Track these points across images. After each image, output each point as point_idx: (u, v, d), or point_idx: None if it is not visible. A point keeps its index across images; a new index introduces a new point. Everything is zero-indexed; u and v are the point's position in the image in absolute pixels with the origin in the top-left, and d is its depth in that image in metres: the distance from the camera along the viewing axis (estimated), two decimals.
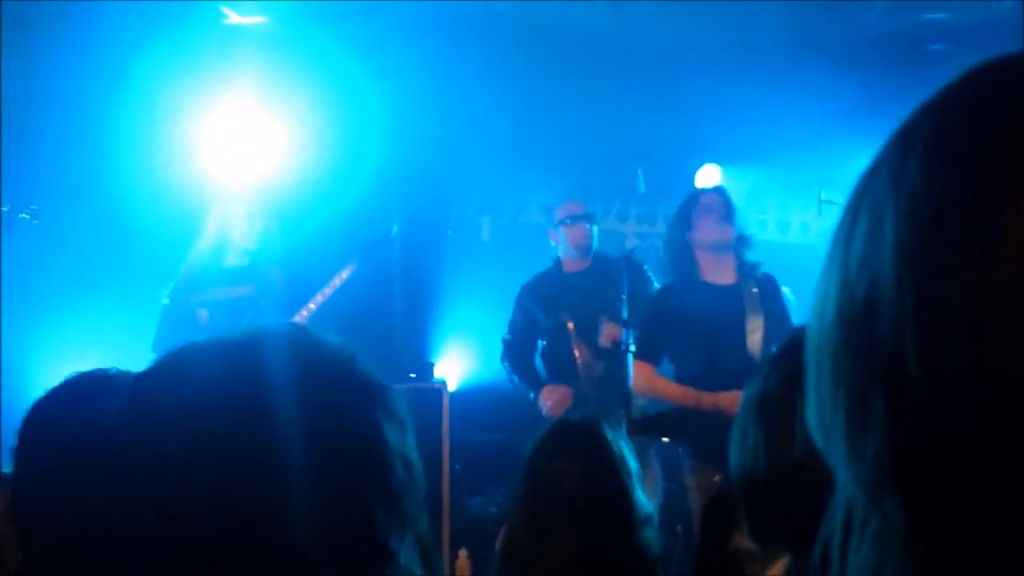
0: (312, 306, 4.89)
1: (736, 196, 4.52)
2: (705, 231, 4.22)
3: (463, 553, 4.59)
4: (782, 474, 1.19)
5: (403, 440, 0.84)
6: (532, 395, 4.84)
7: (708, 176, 6.80)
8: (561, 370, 4.82)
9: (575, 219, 4.92)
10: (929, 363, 0.44)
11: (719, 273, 4.26)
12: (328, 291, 4.94)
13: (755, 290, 4.25)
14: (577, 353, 4.79)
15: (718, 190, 4.43)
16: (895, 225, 0.46)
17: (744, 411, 1.28)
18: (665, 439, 4.27)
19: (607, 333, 4.69)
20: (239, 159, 5.67)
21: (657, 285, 4.66)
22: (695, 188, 4.74)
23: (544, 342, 4.93)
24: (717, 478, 4.01)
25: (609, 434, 2.15)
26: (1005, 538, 0.43)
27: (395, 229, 6.29)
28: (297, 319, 4.76)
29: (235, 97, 5.62)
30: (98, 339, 5.14)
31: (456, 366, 6.48)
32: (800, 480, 1.15)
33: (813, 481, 1.12)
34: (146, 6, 4.94)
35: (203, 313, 4.74)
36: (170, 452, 0.77)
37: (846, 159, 6.75)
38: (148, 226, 5.35)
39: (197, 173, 5.57)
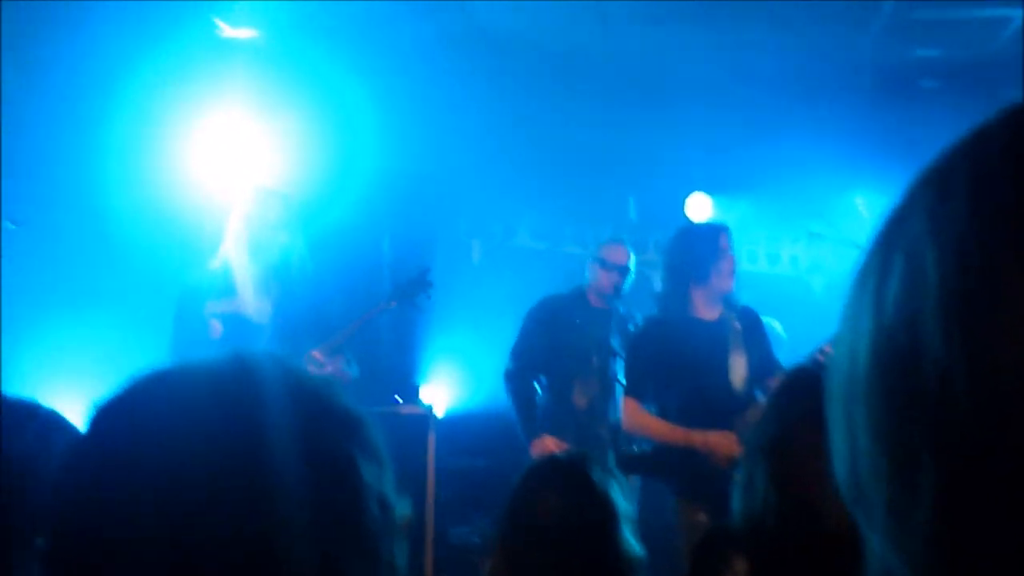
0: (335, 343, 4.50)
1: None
2: (722, 281, 4.19)
3: None
4: (795, 523, 1.14)
5: (380, 478, 0.80)
6: (525, 439, 4.72)
7: (698, 206, 6.81)
8: (561, 402, 4.74)
9: (615, 268, 4.85)
10: (985, 427, 0.40)
11: (708, 309, 4.24)
12: (353, 328, 4.56)
13: (738, 325, 4.23)
14: (580, 387, 4.72)
15: (729, 233, 4.32)
16: (939, 272, 0.43)
17: (750, 456, 1.23)
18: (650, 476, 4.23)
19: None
20: (229, 172, 5.63)
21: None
22: (708, 229, 4.47)
23: (548, 367, 4.82)
24: (702, 516, 3.97)
25: (596, 474, 2.12)
26: None
27: (386, 248, 6.26)
28: (318, 355, 4.42)
29: (226, 110, 5.59)
30: (87, 351, 5.09)
31: (443, 390, 6.42)
32: (815, 531, 1.11)
33: (830, 532, 1.08)
34: (140, 17, 4.93)
35: (216, 325, 4.40)
36: (138, 483, 0.73)
37: (837, 192, 6.79)
38: (136, 238, 5.30)
39: (187, 185, 5.53)
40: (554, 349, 4.78)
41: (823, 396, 1.28)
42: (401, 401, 5.42)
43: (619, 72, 6.08)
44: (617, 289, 4.81)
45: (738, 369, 4.17)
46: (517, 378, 4.80)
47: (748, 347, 4.21)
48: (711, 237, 4.26)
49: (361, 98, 5.96)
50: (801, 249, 7.04)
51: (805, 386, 1.21)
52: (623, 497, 2.14)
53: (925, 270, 0.44)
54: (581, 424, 4.68)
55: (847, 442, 0.48)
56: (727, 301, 4.28)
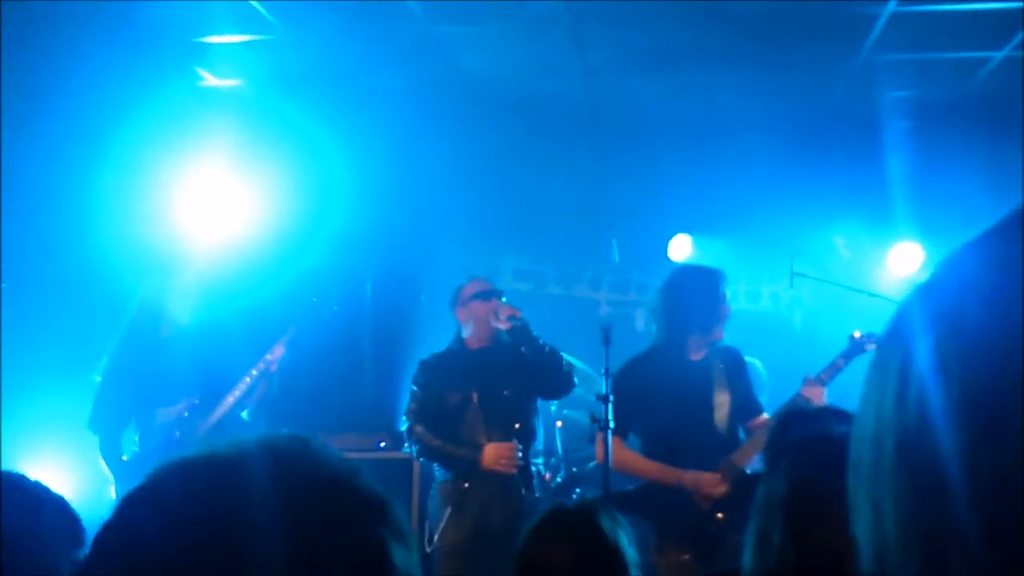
0: (236, 393, 4.89)
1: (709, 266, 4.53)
2: (719, 326, 4.22)
3: None
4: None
5: (408, 560, 0.79)
6: (462, 464, 4.55)
7: (680, 246, 6.86)
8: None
9: (487, 295, 4.73)
10: (1010, 530, 0.42)
11: (695, 350, 4.26)
12: (256, 372, 4.91)
13: (721, 365, 4.25)
14: (483, 428, 4.58)
15: (726, 280, 4.32)
16: (962, 385, 0.44)
17: (765, 510, 1.21)
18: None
19: (504, 311, 4.59)
20: (212, 220, 5.66)
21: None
22: (708, 277, 4.34)
23: (434, 421, 4.66)
24: (686, 557, 3.96)
25: (606, 523, 2.12)
26: None
27: (368, 292, 6.27)
28: (226, 404, 4.87)
29: (210, 158, 5.63)
30: (77, 401, 5.09)
31: None
32: None
33: None
34: (125, 65, 4.97)
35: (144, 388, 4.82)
36: None
37: (816, 231, 6.86)
38: (126, 288, 5.31)
39: (174, 234, 5.55)
40: (436, 403, 4.67)
41: (832, 452, 1.27)
42: (385, 446, 5.40)
43: (601, 117, 6.16)
44: (496, 315, 4.65)
45: (722, 408, 4.19)
46: (413, 432, 4.72)
47: (732, 387, 4.23)
48: (713, 287, 4.25)
49: (348, 143, 6.02)
50: (782, 287, 7.09)
51: (809, 439, 1.21)
52: (630, 544, 2.13)
53: (947, 379, 0.45)
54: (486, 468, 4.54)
55: (873, 530, 0.49)
56: (712, 342, 4.30)
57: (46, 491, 1.57)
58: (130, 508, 0.78)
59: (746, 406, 4.27)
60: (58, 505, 1.57)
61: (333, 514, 0.77)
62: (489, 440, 4.55)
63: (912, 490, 0.46)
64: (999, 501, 0.43)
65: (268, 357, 4.92)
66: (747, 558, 1.21)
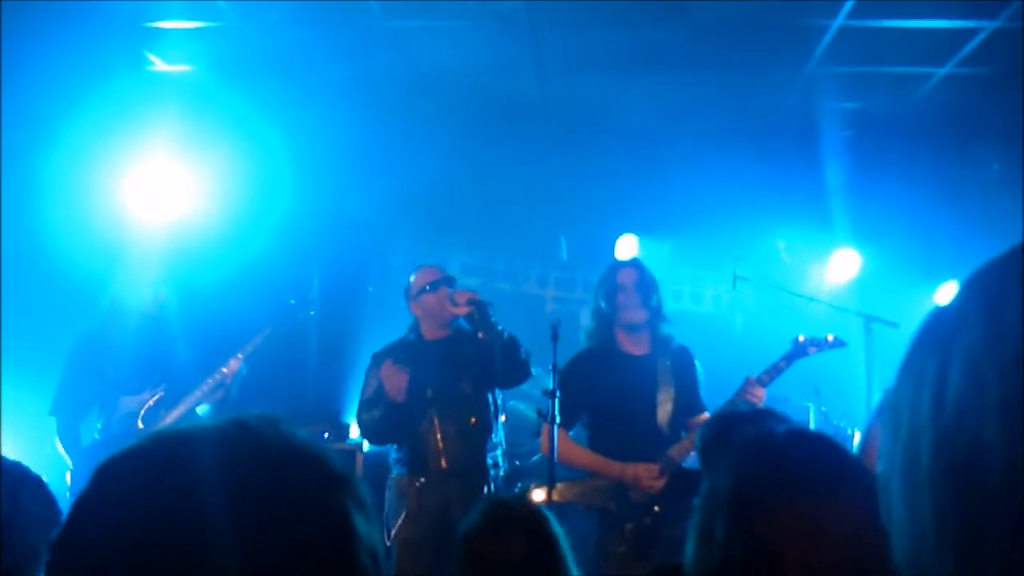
0: (194, 396, 4.81)
1: (654, 267, 4.59)
2: (622, 313, 4.31)
3: None
4: (761, 574, 1.15)
5: (371, 531, 0.83)
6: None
7: (626, 246, 6.95)
8: (419, 443, 4.42)
9: (435, 285, 4.55)
10: None
11: (634, 344, 4.35)
12: (212, 382, 4.82)
13: (668, 363, 4.33)
14: (437, 424, 4.42)
15: (637, 267, 4.44)
16: (1000, 384, 0.46)
17: (708, 505, 1.21)
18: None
19: (461, 296, 4.43)
20: (160, 206, 5.60)
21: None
22: (614, 264, 4.60)
23: (399, 412, 4.44)
24: (622, 549, 4.04)
25: (549, 515, 2.15)
26: None
27: (315, 289, 6.24)
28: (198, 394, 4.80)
29: (158, 143, 5.56)
30: (28, 385, 5.00)
31: None
32: None
33: None
34: (75, 47, 4.91)
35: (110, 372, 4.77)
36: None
37: (759, 236, 7.00)
38: (74, 272, 5.23)
39: (123, 219, 5.47)
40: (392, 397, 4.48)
41: (776, 450, 1.29)
42: (329, 437, 5.40)
43: (554, 116, 6.21)
44: (450, 302, 4.45)
45: (665, 405, 4.26)
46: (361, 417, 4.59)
47: (676, 384, 4.31)
48: (611, 274, 4.41)
49: (299, 132, 5.99)
50: (724, 289, 7.21)
51: (753, 437, 1.24)
52: (565, 536, 2.17)
53: (985, 381, 0.47)
54: (441, 456, 4.42)
55: (911, 527, 0.52)
56: (659, 338, 4.37)
57: (25, 472, 1.57)
58: (105, 479, 0.80)
59: (690, 404, 4.35)
60: (36, 486, 1.57)
61: (300, 484, 0.81)
62: (443, 435, 4.40)
63: (949, 490, 0.49)
64: None
65: (224, 370, 4.80)
66: (689, 553, 1.22)
